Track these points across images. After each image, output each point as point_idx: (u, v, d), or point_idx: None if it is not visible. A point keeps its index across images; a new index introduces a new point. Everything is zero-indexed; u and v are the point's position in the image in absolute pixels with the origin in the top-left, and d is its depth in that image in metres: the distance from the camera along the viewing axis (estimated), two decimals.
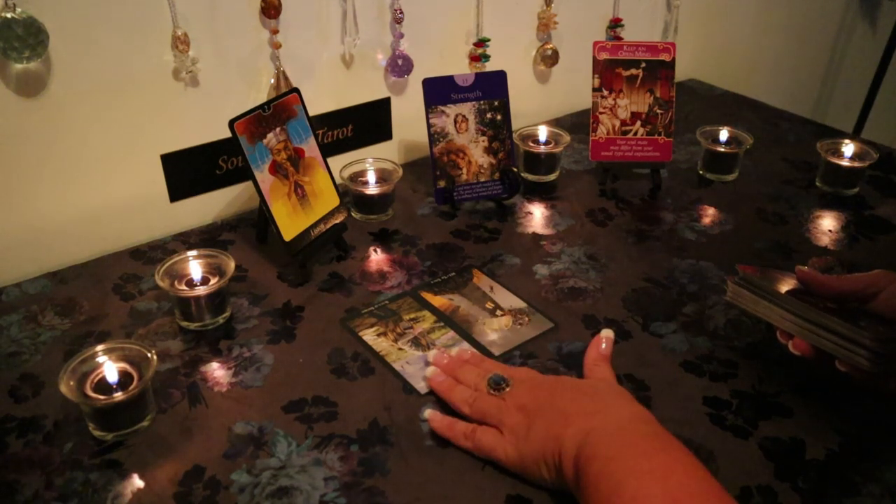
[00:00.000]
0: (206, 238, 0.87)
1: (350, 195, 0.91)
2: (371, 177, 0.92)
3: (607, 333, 0.67)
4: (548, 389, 0.58)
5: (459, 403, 0.61)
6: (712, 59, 1.40)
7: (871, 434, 0.61)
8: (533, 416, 0.56)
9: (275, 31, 0.86)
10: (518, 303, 0.76)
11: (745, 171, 1.03)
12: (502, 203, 0.94)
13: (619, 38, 1.19)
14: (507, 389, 0.60)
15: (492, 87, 0.90)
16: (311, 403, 0.63)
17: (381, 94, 1.00)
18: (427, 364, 0.67)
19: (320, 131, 0.95)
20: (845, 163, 0.97)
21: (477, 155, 0.91)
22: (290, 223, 0.77)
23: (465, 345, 0.70)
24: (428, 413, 0.62)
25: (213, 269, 0.74)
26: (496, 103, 0.90)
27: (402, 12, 0.94)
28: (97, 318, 0.73)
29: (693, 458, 0.50)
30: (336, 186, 0.84)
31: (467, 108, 0.90)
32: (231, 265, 0.73)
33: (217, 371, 0.67)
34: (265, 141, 0.76)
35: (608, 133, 0.97)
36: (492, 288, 0.78)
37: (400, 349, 0.69)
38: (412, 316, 0.74)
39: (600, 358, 0.64)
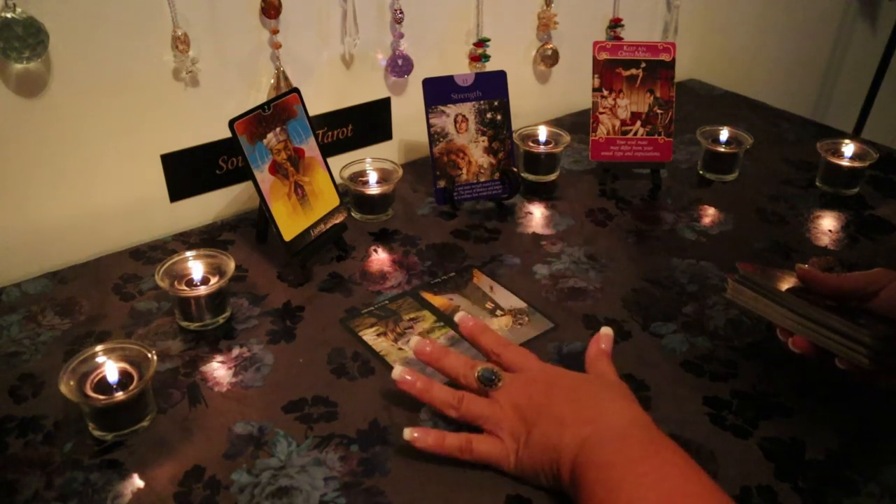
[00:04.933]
0: (206, 238, 0.87)
1: (350, 195, 0.91)
2: (371, 177, 0.92)
3: (606, 331, 0.66)
4: (543, 387, 0.57)
5: (443, 407, 0.58)
6: (712, 59, 1.40)
7: (871, 434, 0.61)
8: (530, 423, 0.55)
9: (275, 31, 0.86)
10: (518, 303, 0.76)
11: (745, 171, 1.03)
12: (502, 203, 0.94)
13: (619, 38, 1.19)
14: (500, 385, 0.58)
15: (492, 87, 0.90)
16: (311, 403, 0.63)
17: (381, 94, 1.00)
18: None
19: (320, 131, 0.95)
20: (845, 163, 0.97)
21: (477, 155, 0.91)
22: (290, 223, 0.77)
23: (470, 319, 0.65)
24: (410, 435, 0.56)
25: (213, 269, 0.74)
26: (496, 103, 0.90)
27: (402, 12, 0.94)
28: (97, 318, 0.73)
29: (689, 461, 0.50)
30: (336, 186, 0.84)
31: (467, 108, 0.90)
32: (231, 265, 0.73)
33: (217, 371, 0.67)
34: (265, 141, 0.76)
35: (608, 133, 0.97)
36: (492, 288, 0.78)
37: (400, 349, 0.69)
38: (412, 316, 0.74)
39: (601, 353, 0.63)
